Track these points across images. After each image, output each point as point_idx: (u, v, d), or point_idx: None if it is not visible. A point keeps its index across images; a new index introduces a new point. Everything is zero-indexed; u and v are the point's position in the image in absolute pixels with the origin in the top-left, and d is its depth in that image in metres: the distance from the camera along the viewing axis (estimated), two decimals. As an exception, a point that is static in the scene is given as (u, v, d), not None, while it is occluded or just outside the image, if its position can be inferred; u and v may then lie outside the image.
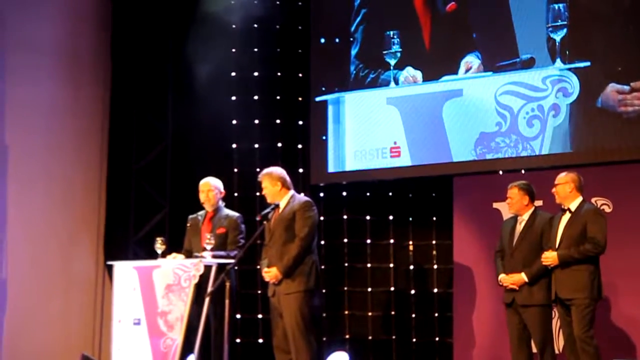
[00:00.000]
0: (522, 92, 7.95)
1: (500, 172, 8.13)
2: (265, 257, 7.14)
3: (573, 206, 6.76)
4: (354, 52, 8.76)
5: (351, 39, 8.76)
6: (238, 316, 8.73)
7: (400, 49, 8.50)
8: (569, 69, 7.70)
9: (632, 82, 7.43)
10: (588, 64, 7.62)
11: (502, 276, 6.98)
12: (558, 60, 7.75)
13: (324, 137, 8.82)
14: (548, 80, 7.82)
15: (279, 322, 7.02)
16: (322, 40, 8.93)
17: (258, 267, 8.81)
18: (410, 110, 8.44)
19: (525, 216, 7.01)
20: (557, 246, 6.71)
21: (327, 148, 8.80)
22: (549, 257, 6.68)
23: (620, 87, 7.47)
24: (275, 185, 7.10)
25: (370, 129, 8.63)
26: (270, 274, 6.95)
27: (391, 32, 8.54)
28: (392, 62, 8.54)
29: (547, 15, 7.80)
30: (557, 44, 7.75)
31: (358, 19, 8.76)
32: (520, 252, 6.92)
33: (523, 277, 6.84)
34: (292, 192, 7.16)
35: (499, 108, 8.05)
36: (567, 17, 7.70)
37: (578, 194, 6.77)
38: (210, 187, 7.52)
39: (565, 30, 7.71)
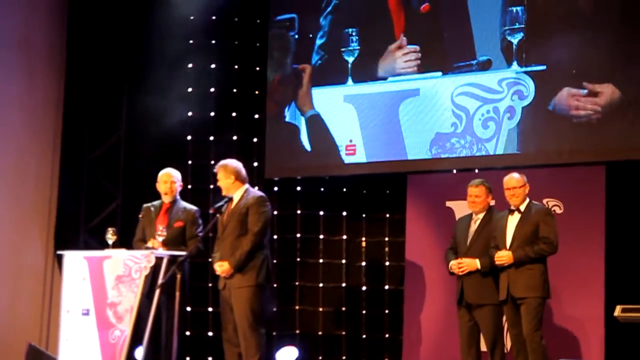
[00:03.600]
0: (478, 94, 7.98)
1: (454, 171, 8.17)
2: (217, 250, 7.13)
3: (522, 206, 6.84)
4: (319, 42, 8.74)
5: (319, 30, 8.73)
6: (188, 309, 8.68)
7: (358, 47, 8.50)
8: (525, 72, 7.76)
9: (586, 87, 7.49)
10: (544, 67, 7.68)
11: (452, 262, 7.02)
12: (514, 63, 7.80)
13: (280, 131, 8.81)
14: (504, 82, 7.87)
15: (229, 315, 7.02)
16: (282, 33, 8.91)
17: (210, 260, 8.80)
18: (366, 108, 8.45)
19: (480, 215, 7.07)
20: (508, 246, 6.77)
21: (282, 142, 8.79)
22: (504, 257, 6.73)
23: (575, 91, 7.53)
24: (229, 178, 7.10)
25: (327, 125, 8.62)
26: (222, 267, 6.95)
27: (350, 30, 8.54)
28: (350, 59, 8.54)
29: (504, 18, 7.84)
30: (513, 46, 7.80)
31: (329, 8, 8.73)
32: (475, 250, 6.98)
33: (477, 263, 6.89)
34: (246, 186, 7.16)
35: (455, 109, 8.08)
36: (525, 20, 7.76)
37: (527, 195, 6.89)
38: (173, 178, 7.50)
39: (522, 33, 7.76)
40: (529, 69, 7.73)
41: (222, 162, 7.19)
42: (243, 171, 7.19)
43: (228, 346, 7.11)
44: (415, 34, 8.30)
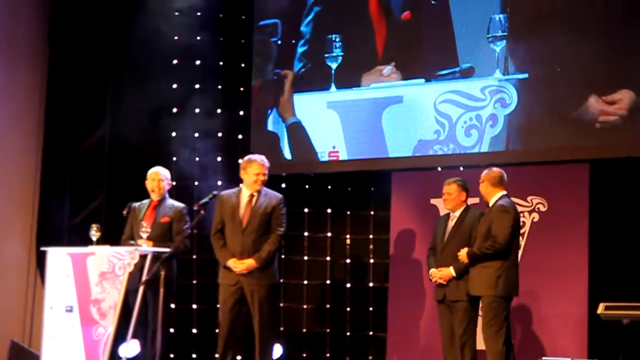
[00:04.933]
0: (461, 101, 7.99)
1: (439, 169, 8.18)
2: (226, 244, 7.08)
3: (491, 203, 6.82)
4: (301, 50, 8.75)
5: (301, 37, 8.74)
6: (172, 306, 8.66)
7: (342, 53, 8.49)
8: (508, 80, 7.77)
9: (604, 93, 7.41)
10: (526, 75, 7.69)
11: (432, 271, 7.05)
12: (497, 71, 7.81)
13: (265, 129, 8.81)
14: (487, 90, 7.88)
15: (234, 311, 7.03)
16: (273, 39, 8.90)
17: (194, 256, 8.80)
18: (350, 115, 8.45)
19: (457, 213, 7.08)
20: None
21: (267, 140, 8.78)
22: (462, 254, 6.76)
23: (599, 97, 7.40)
24: None
25: (310, 131, 8.62)
26: (245, 264, 6.97)
27: (334, 36, 8.53)
28: (334, 65, 8.54)
29: (487, 26, 7.84)
30: (496, 54, 7.81)
31: (310, 15, 8.74)
32: (450, 248, 6.98)
33: (451, 271, 6.90)
34: None
35: (437, 116, 8.09)
36: (507, 28, 7.76)
37: (497, 189, 6.78)
38: (161, 176, 7.52)
39: (504, 41, 7.77)
40: (511, 76, 7.75)
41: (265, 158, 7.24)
42: None
43: (225, 344, 7.06)
44: (396, 42, 8.30)
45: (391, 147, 8.24)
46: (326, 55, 8.55)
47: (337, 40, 8.51)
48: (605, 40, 7.42)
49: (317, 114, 8.60)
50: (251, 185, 7.11)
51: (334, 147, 8.50)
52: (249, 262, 6.97)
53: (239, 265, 6.98)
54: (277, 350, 8.17)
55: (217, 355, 7.09)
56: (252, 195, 7.11)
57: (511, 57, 7.74)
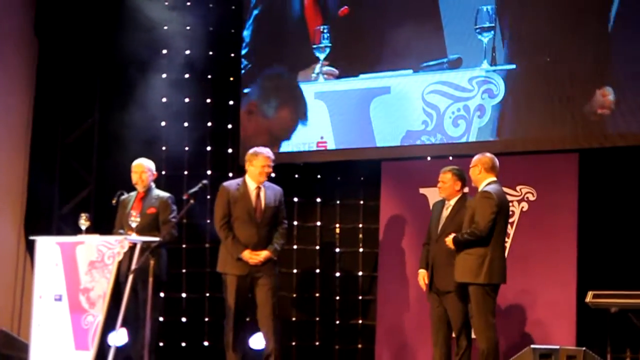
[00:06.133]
0: (448, 92, 8.00)
1: (428, 158, 8.19)
2: (235, 236, 7.11)
3: (480, 188, 6.75)
4: (243, 52, 8.85)
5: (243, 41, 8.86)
6: (162, 294, 8.66)
7: (330, 44, 8.50)
8: (495, 71, 7.77)
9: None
10: (514, 66, 7.70)
11: (421, 271, 7.08)
12: (485, 62, 7.82)
13: (253, 120, 8.82)
14: (474, 81, 7.88)
15: (244, 300, 7.12)
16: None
17: (184, 245, 8.80)
18: (337, 105, 8.46)
19: (452, 202, 7.05)
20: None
21: (256, 129, 8.78)
22: (448, 240, 6.73)
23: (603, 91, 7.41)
24: None
25: (299, 122, 8.64)
26: (261, 256, 7.06)
27: (321, 27, 8.53)
28: (322, 56, 8.54)
29: (475, 17, 7.84)
30: (484, 45, 7.81)
31: (250, 20, 8.82)
32: (445, 237, 6.94)
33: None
34: None
35: (425, 107, 8.09)
36: (495, 19, 7.77)
37: (489, 175, 6.74)
38: (144, 168, 7.56)
39: (492, 32, 7.78)
40: (499, 67, 7.76)
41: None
42: None
43: (233, 330, 7.13)
44: (332, 38, 8.40)
45: (379, 138, 8.26)
46: (314, 46, 8.56)
47: (325, 31, 8.51)
48: (595, 32, 7.42)
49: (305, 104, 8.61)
50: (257, 177, 7.19)
51: (322, 138, 8.51)
52: (265, 254, 7.08)
53: (256, 257, 7.05)
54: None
55: (227, 342, 7.17)
56: (258, 188, 7.17)
57: (498, 47, 7.74)
